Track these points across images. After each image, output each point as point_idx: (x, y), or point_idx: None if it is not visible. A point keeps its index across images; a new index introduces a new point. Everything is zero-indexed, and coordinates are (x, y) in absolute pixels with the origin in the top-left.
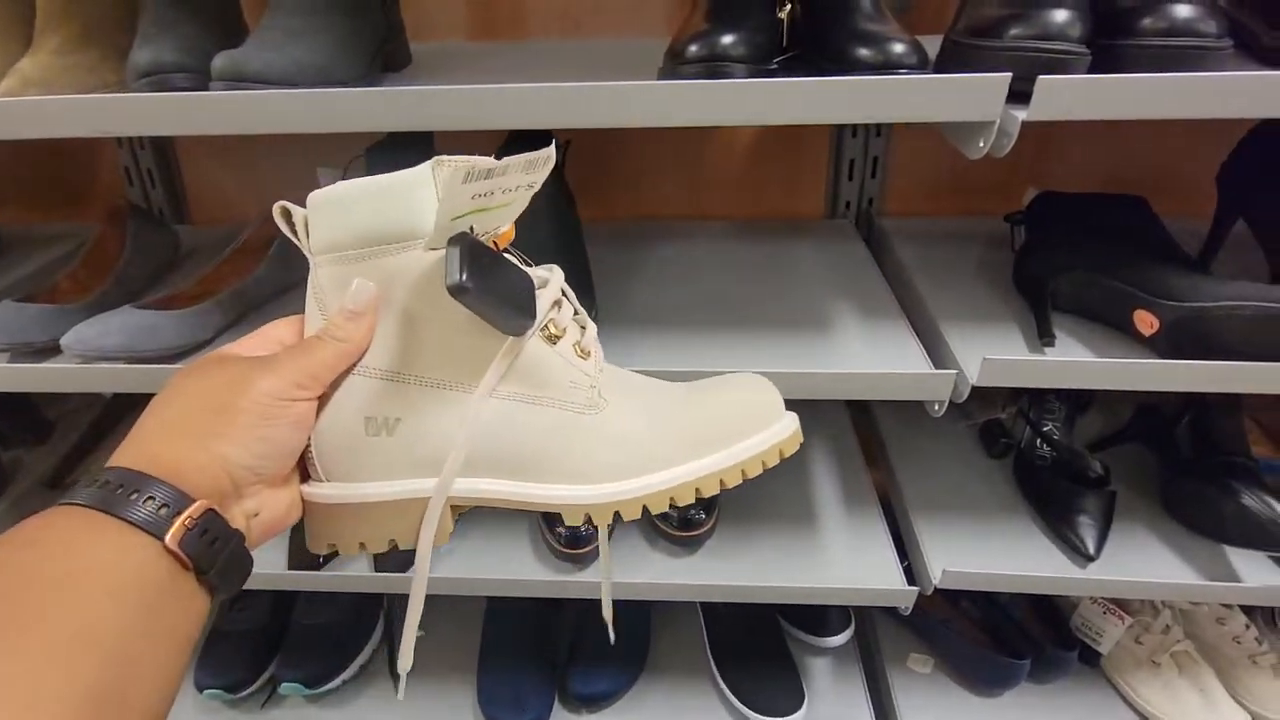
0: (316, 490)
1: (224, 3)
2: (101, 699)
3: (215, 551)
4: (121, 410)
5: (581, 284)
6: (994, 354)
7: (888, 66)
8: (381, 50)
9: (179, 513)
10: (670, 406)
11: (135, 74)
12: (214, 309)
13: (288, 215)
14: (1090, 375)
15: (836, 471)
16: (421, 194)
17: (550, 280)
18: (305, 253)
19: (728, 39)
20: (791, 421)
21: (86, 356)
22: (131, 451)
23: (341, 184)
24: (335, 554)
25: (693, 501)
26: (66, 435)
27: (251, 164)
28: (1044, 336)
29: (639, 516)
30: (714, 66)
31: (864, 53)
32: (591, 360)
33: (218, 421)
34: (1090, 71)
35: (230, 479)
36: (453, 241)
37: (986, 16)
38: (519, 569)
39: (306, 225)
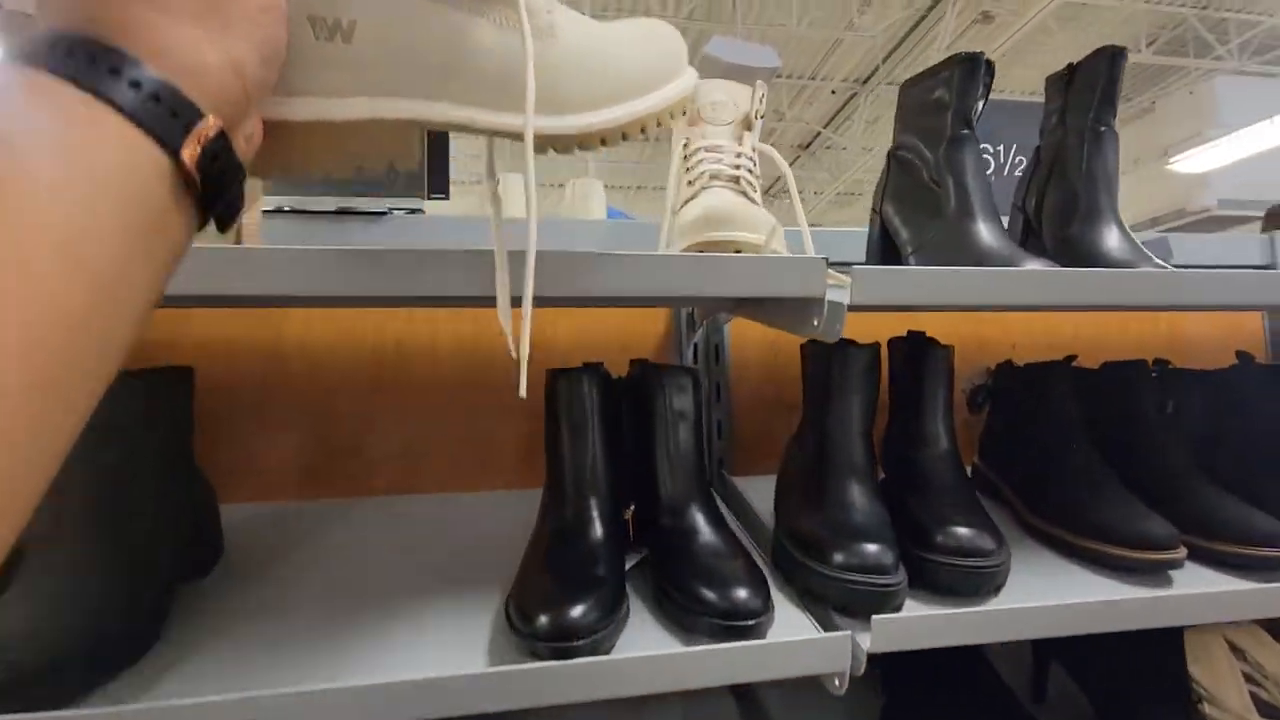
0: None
1: None
2: (81, 328)
3: (223, 185)
4: None
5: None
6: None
7: (732, 616)
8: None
9: (190, 125)
10: (610, 46)
11: None
12: None
13: None
14: None
15: None
16: None
17: None
18: None
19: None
20: (692, 77)
21: None
22: (95, 9)
23: None
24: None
25: (620, 142)
26: None
27: None
28: None
29: (595, 148)
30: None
31: (709, 595)
32: None
33: (220, 3)
34: (909, 575)
35: (244, 90)
36: None
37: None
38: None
39: None
